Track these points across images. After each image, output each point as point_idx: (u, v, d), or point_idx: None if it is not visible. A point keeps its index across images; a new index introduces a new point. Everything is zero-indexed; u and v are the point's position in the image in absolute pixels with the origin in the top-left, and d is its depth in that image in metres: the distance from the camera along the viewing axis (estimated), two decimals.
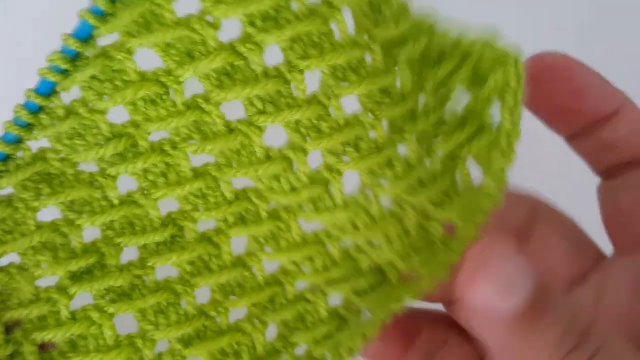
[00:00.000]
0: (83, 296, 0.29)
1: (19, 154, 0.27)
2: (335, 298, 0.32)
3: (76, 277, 0.29)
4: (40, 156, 0.28)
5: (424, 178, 0.29)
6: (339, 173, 0.28)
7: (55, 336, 0.29)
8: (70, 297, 0.28)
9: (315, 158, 0.28)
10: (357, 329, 0.31)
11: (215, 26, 0.25)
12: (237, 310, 0.31)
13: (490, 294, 0.25)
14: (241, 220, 0.29)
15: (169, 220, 0.29)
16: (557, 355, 0.26)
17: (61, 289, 0.28)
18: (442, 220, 0.30)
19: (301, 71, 0.26)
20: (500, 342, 0.27)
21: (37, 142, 0.28)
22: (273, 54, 0.26)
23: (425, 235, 0.30)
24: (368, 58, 0.27)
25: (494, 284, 0.25)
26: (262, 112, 0.27)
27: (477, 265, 0.26)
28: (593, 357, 0.26)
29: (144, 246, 0.29)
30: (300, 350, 0.31)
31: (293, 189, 0.28)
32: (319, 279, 0.30)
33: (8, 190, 0.28)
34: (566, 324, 0.26)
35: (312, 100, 0.27)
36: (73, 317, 0.29)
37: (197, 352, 0.29)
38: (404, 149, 0.29)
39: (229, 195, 0.29)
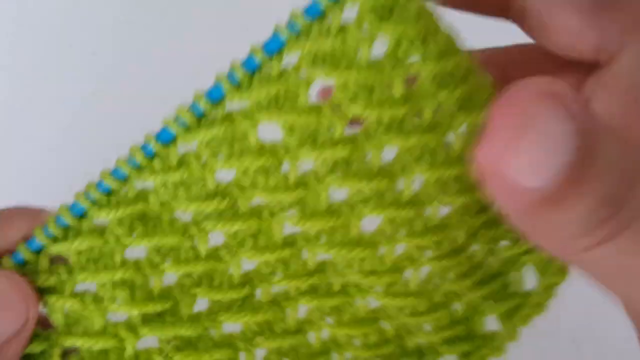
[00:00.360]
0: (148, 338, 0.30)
1: (124, 189, 0.28)
2: None
3: (148, 319, 0.29)
4: (142, 197, 0.28)
5: (484, 277, 0.31)
6: (420, 264, 0.30)
7: None
8: (138, 338, 0.29)
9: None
10: None
11: (345, 117, 0.27)
12: None
13: (518, 171, 0.21)
14: (313, 291, 0.31)
15: (247, 280, 0.30)
16: (582, 231, 0.22)
17: (131, 328, 0.29)
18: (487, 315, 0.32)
19: (411, 176, 0.28)
20: (518, 216, 0.23)
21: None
22: None
23: (469, 325, 0.32)
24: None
25: (525, 160, 0.21)
26: (367, 203, 0.28)
27: (513, 131, 0.21)
28: (623, 230, 0.22)
29: (218, 300, 0.30)
30: None
31: (374, 272, 0.30)
32: (368, 354, 0.32)
33: (104, 221, 0.28)
34: (606, 191, 0.22)
35: (414, 201, 0.28)
36: (136, 357, 0.29)
37: None
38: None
39: (310, 266, 0.30)
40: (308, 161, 0.28)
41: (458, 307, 0.32)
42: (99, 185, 0.28)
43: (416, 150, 0.27)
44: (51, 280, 0.29)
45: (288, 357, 0.32)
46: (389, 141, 0.27)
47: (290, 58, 0.26)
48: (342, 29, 0.25)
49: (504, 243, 0.32)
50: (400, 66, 0.26)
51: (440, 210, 0.29)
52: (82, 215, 0.28)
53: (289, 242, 0.30)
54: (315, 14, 0.25)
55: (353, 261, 0.30)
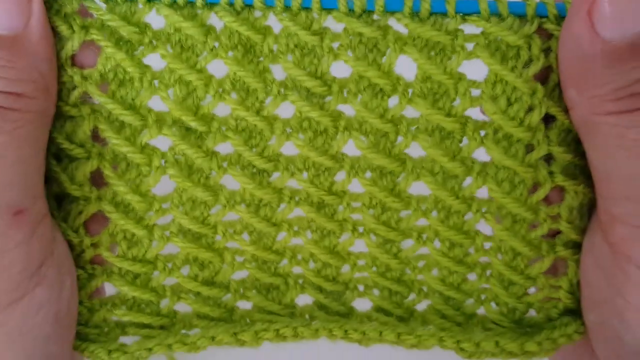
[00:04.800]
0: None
1: None
2: None
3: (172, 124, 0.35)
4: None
5: None
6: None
7: None
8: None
9: None
10: None
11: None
12: None
13: (602, 21, 0.28)
14: (319, 206, 0.36)
15: (276, 160, 0.35)
16: (620, 94, 0.29)
17: (160, 120, 0.35)
18: None
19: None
20: (581, 60, 0.29)
21: None
22: None
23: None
24: None
25: (612, 11, 0.27)
26: (432, 176, 0.36)
27: None
28: None
29: (239, 155, 0.36)
30: None
31: (386, 224, 0.36)
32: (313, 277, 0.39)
33: None
34: None
35: (468, 202, 0.36)
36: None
37: None
38: None
39: (335, 188, 0.36)
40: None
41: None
42: None
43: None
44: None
45: (250, 235, 0.36)
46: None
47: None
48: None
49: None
50: None
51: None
52: None
53: (339, 159, 0.34)
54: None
55: (376, 205, 0.35)
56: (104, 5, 0.33)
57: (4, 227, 0.30)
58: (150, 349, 0.36)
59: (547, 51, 0.33)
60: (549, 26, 0.33)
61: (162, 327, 0.38)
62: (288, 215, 0.36)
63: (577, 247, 0.36)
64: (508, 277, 0.37)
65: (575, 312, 0.37)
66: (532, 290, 0.38)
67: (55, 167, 0.35)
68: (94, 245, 0.36)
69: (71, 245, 0.36)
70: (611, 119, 0.29)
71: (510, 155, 0.34)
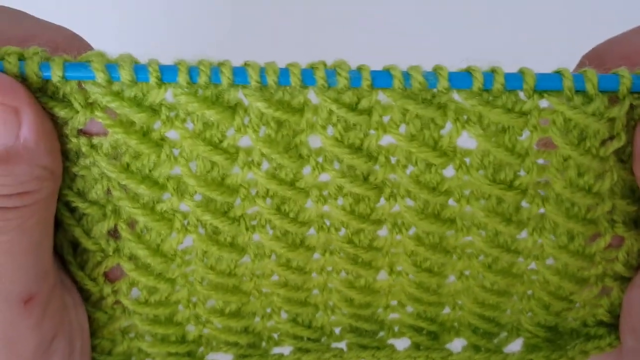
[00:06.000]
0: None
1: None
2: None
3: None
4: None
5: None
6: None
7: None
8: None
9: None
10: None
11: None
12: None
13: None
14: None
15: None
16: None
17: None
18: None
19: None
20: None
21: None
22: None
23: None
24: None
25: None
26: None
27: None
28: None
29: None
30: None
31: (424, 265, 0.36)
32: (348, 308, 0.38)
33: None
34: None
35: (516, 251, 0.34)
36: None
37: None
38: None
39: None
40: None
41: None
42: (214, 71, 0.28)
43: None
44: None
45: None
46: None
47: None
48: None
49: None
50: None
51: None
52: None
53: (382, 220, 0.32)
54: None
55: (419, 254, 0.33)
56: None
57: (17, 318, 0.30)
58: None
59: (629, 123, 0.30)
60: (638, 102, 0.29)
61: (188, 354, 0.38)
62: (322, 264, 0.34)
63: (625, 277, 0.35)
64: (550, 302, 0.36)
65: (610, 324, 0.36)
66: None
67: (69, 220, 0.33)
68: (115, 291, 0.35)
69: (89, 292, 0.35)
70: None
71: (572, 215, 0.32)
